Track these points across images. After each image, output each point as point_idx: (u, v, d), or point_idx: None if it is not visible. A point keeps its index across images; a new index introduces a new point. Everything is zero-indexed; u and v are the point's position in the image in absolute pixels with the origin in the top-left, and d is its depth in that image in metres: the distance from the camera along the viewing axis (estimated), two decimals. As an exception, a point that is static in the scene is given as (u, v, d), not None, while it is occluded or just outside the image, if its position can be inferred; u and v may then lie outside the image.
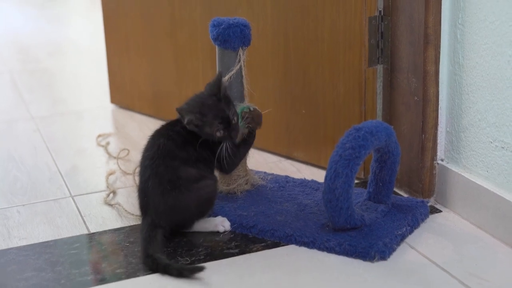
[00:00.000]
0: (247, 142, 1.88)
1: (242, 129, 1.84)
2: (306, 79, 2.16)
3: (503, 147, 1.71)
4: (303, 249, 1.71)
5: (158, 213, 1.72)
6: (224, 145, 1.77)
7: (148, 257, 1.63)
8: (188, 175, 1.73)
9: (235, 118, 1.76)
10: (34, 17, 4.81)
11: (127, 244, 1.76)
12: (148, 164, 1.74)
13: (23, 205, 2.02)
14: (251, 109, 1.86)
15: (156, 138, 1.78)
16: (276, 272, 1.63)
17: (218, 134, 1.74)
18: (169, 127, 1.80)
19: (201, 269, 1.59)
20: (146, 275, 1.61)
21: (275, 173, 2.11)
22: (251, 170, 2.03)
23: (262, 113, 1.88)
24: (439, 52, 1.84)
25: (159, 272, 1.61)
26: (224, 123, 1.74)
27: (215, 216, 1.82)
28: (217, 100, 1.75)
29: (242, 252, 1.70)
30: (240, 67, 1.88)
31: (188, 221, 1.77)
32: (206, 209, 1.78)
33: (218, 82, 1.76)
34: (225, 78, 1.88)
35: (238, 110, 1.84)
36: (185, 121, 1.74)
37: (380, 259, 1.64)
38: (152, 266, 1.62)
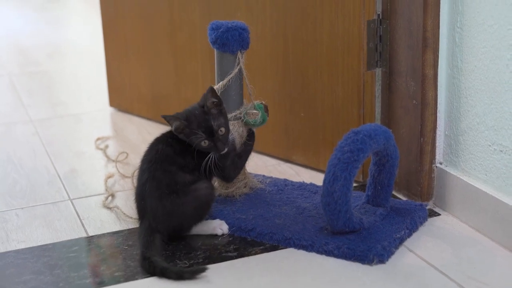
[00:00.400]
0: (247, 147, 1.89)
1: (242, 134, 1.86)
2: (305, 82, 2.16)
3: (501, 151, 1.71)
4: (302, 252, 1.71)
5: (156, 217, 1.72)
6: (211, 157, 1.76)
7: (145, 260, 1.64)
8: (184, 179, 1.73)
9: (222, 130, 1.76)
10: (34, 19, 4.81)
11: (126, 247, 1.76)
12: (146, 167, 1.75)
13: (22, 208, 2.02)
14: (264, 103, 1.90)
15: (156, 144, 1.79)
16: (275, 275, 1.63)
17: (203, 144, 1.74)
18: (170, 134, 1.80)
19: (203, 270, 1.59)
20: (144, 278, 1.61)
21: (274, 176, 2.11)
22: (250, 173, 2.03)
23: None
24: (437, 56, 1.84)
25: (156, 275, 1.61)
26: (207, 133, 1.73)
27: (214, 219, 1.82)
28: (203, 111, 1.75)
29: (240, 255, 1.70)
30: (240, 70, 1.88)
31: (186, 226, 1.77)
32: (203, 212, 1.77)
33: (205, 94, 1.77)
34: (224, 82, 1.88)
35: (256, 107, 1.87)
36: (173, 128, 1.75)
37: (378, 262, 1.64)
38: (149, 269, 1.62)
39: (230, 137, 1.80)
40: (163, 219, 1.72)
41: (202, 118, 1.74)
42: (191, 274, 1.60)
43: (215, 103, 1.76)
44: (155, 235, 1.70)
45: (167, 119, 1.75)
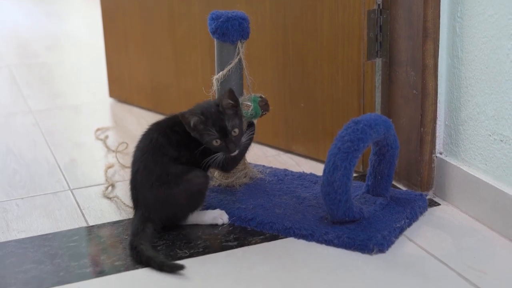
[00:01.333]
0: (247, 138, 1.88)
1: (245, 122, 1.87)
2: (304, 73, 2.16)
3: (501, 140, 1.71)
4: (302, 242, 1.71)
5: (148, 207, 1.72)
6: (219, 157, 1.75)
7: (133, 249, 1.64)
8: (176, 170, 1.72)
9: (236, 131, 1.74)
10: (33, 12, 4.81)
11: (126, 237, 1.76)
12: (138, 156, 1.75)
13: (22, 198, 2.02)
14: (263, 96, 1.88)
15: (151, 132, 1.78)
16: (275, 264, 1.63)
17: (214, 143, 1.73)
18: (169, 123, 1.78)
19: (181, 267, 1.58)
20: (144, 267, 1.61)
21: (274, 166, 2.11)
22: (250, 163, 2.03)
23: None
24: (438, 46, 1.84)
25: (143, 265, 1.61)
26: (221, 133, 1.72)
27: (214, 209, 1.82)
28: (218, 111, 1.73)
29: (240, 245, 1.71)
30: (239, 60, 1.88)
31: (180, 215, 1.76)
32: (197, 202, 1.77)
33: (222, 94, 1.76)
34: (224, 72, 1.88)
35: (251, 99, 1.86)
36: (191, 125, 1.71)
37: (378, 251, 1.65)
38: (137, 258, 1.62)
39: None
40: (155, 208, 1.71)
41: (217, 117, 1.72)
42: (170, 268, 1.58)
43: (231, 104, 1.74)
44: (146, 224, 1.69)
45: (185, 117, 1.70)
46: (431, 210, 1.86)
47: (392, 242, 1.69)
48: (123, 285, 1.56)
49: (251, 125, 1.90)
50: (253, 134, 1.90)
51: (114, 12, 2.77)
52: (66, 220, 1.88)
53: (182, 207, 1.75)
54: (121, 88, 2.83)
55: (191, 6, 2.43)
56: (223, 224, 1.79)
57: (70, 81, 3.27)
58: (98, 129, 2.53)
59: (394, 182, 1.99)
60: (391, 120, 1.77)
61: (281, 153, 2.29)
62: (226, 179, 1.95)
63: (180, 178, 1.72)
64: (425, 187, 1.92)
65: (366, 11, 1.97)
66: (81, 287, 1.56)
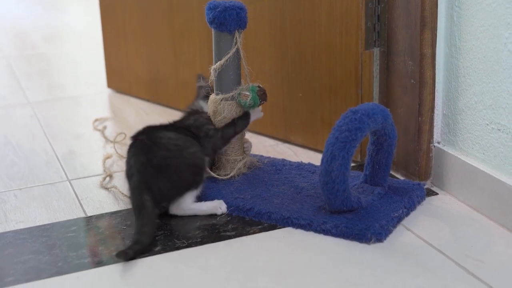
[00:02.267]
0: (239, 124, 1.89)
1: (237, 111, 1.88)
2: (302, 63, 2.15)
3: (499, 129, 1.71)
4: (300, 232, 1.71)
5: (144, 175, 1.72)
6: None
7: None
8: (178, 141, 1.78)
9: None
10: (31, 3, 4.80)
11: (124, 227, 1.76)
12: (133, 141, 1.81)
13: (20, 189, 2.02)
14: (261, 86, 1.89)
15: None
16: (273, 254, 1.63)
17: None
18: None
19: (123, 257, 1.59)
20: (143, 258, 1.62)
21: (272, 156, 2.11)
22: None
23: None
24: (435, 35, 1.84)
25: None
26: None
27: (212, 199, 1.82)
28: None
29: (239, 235, 1.71)
30: (237, 50, 1.88)
31: (176, 187, 1.75)
32: (195, 177, 1.77)
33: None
34: (221, 62, 1.88)
35: (249, 89, 1.87)
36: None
37: (376, 241, 1.65)
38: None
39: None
40: (153, 177, 1.72)
41: None
42: (118, 255, 1.60)
43: None
44: (144, 196, 1.71)
45: None
46: (429, 200, 1.86)
47: (390, 232, 1.69)
48: (121, 275, 1.57)
49: (245, 114, 1.90)
50: (242, 123, 1.89)
51: (112, 3, 2.76)
52: (64, 210, 1.88)
53: (179, 178, 1.75)
54: (119, 79, 2.82)
55: (189, -4, 2.43)
56: (221, 214, 1.79)
57: (68, 72, 3.27)
58: (96, 120, 2.53)
59: (392, 172, 1.99)
60: (389, 109, 1.76)
61: (279, 143, 2.29)
62: (226, 175, 1.94)
63: (181, 149, 1.77)
64: (423, 177, 1.92)
65: (364, 0, 1.97)
66: (79, 277, 1.56)
